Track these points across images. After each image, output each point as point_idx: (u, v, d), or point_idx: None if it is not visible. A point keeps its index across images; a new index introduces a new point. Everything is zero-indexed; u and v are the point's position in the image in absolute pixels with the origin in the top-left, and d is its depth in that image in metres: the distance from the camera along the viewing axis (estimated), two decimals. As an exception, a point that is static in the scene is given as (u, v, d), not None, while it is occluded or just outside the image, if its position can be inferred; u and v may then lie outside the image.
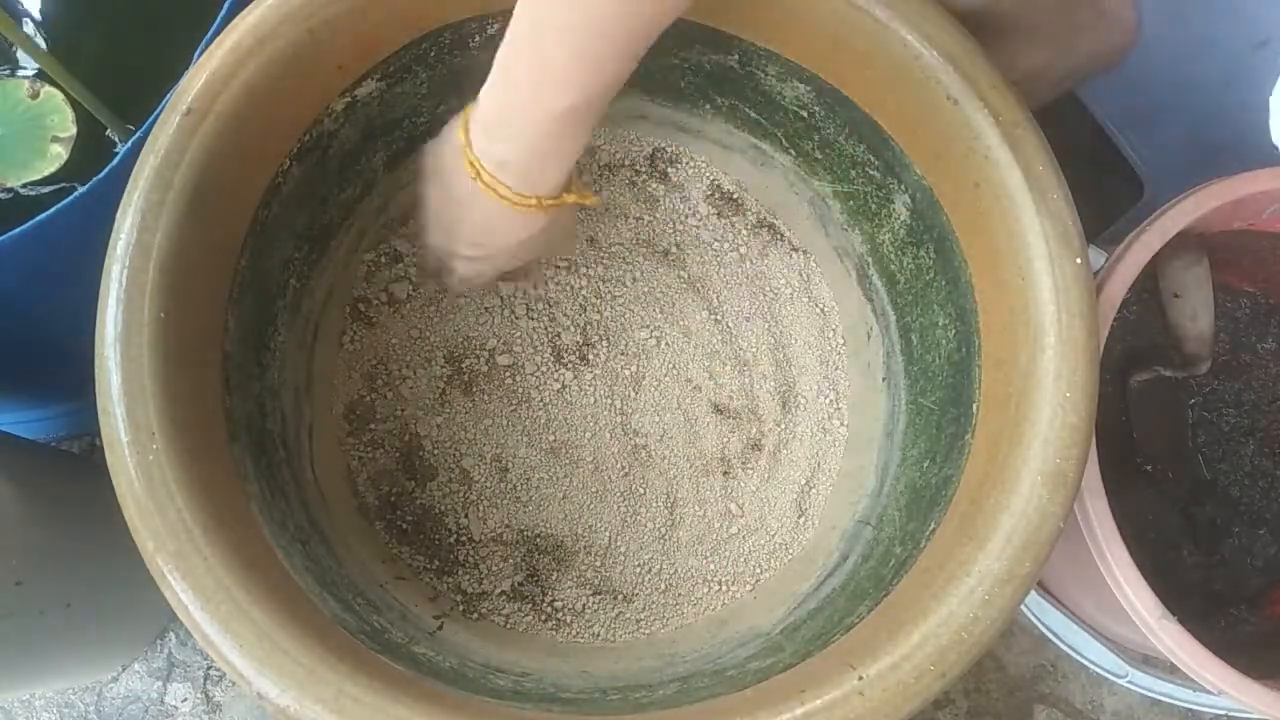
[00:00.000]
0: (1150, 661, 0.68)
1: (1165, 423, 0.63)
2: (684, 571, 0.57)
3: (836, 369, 0.60)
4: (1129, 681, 0.66)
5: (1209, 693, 0.63)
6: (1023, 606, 0.70)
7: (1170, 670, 0.66)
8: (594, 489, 0.58)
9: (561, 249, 0.59)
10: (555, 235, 0.47)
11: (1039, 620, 0.69)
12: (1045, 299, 0.43)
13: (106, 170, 0.47)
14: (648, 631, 0.56)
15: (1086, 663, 0.68)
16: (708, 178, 0.62)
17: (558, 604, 0.56)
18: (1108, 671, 0.66)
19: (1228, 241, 0.59)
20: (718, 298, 0.61)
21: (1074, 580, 0.62)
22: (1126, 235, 0.63)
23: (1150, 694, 0.65)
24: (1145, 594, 0.49)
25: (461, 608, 0.55)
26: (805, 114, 0.54)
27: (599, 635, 0.56)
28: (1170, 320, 0.60)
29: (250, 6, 0.44)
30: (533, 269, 0.58)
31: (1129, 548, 0.49)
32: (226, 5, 0.50)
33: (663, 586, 0.57)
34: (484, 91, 0.41)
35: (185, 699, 0.75)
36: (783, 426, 0.60)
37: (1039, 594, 0.66)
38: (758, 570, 0.57)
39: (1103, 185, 0.73)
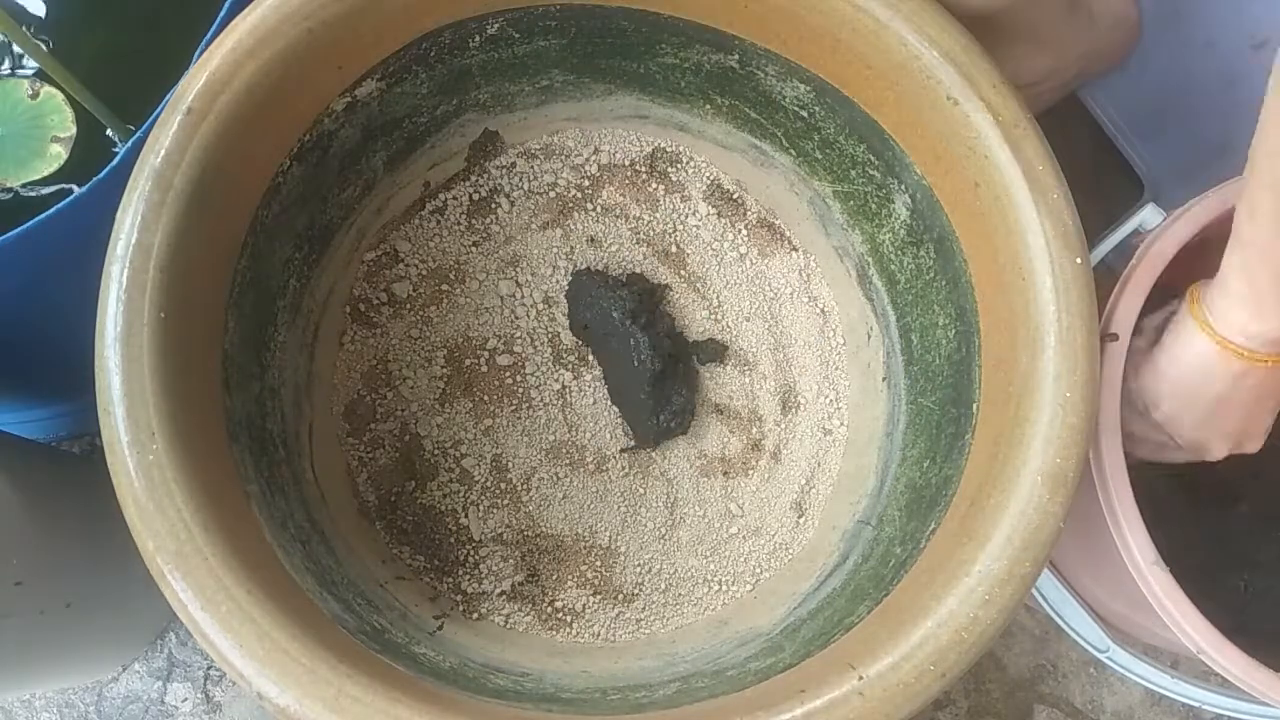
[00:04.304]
0: (1151, 653, 0.67)
1: None
2: (684, 571, 0.57)
3: (836, 369, 0.60)
4: (1109, 657, 0.66)
5: (1186, 679, 0.63)
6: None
7: (1163, 660, 0.66)
8: (594, 489, 0.58)
9: None
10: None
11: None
12: (1045, 299, 0.43)
13: (106, 170, 0.47)
14: (648, 631, 0.56)
15: (1069, 631, 0.67)
16: (708, 177, 0.62)
17: (558, 604, 0.56)
18: (1090, 645, 0.66)
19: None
20: (718, 298, 0.61)
21: (1073, 541, 0.61)
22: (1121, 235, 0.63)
23: (1129, 674, 0.65)
24: (1141, 536, 0.49)
25: (461, 608, 0.55)
26: (805, 114, 0.54)
27: (599, 635, 0.56)
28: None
29: (250, 6, 0.44)
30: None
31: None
32: (226, 5, 0.50)
33: (663, 586, 0.57)
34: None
35: (185, 699, 0.75)
36: (783, 427, 0.60)
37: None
38: (758, 570, 0.57)
39: (1103, 185, 0.73)
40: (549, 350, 0.60)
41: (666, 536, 0.58)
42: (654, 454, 0.59)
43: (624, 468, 0.59)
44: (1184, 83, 0.68)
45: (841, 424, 0.59)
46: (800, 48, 0.50)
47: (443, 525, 0.57)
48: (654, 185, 0.62)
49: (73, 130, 0.63)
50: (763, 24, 0.49)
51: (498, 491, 0.58)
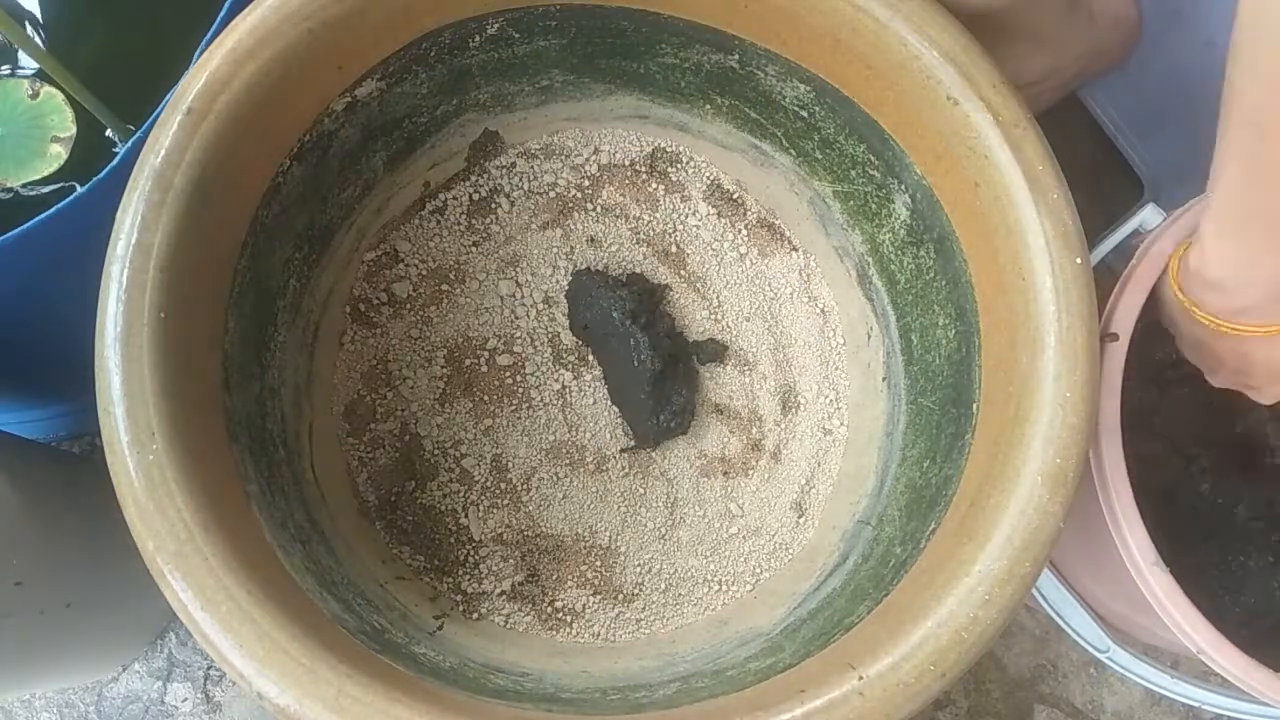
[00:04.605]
0: (1151, 653, 0.67)
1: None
2: (684, 571, 0.57)
3: (836, 369, 0.60)
4: (1109, 657, 0.66)
5: (1186, 679, 0.63)
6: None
7: (1161, 659, 0.66)
8: (594, 489, 0.58)
9: None
10: None
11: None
12: (1045, 299, 0.43)
13: (106, 170, 0.47)
14: (648, 631, 0.56)
15: (1069, 631, 0.67)
16: (708, 177, 0.62)
17: (558, 604, 0.56)
18: (1090, 645, 0.66)
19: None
20: (718, 298, 0.61)
21: (1073, 541, 0.61)
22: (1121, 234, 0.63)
23: (1129, 674, 0.65)
24: (1141, 537, 0.49)
25: (461, 608, 0.55)
26: (805, 114, 0.54)
27: (599, 635, 0.56)
28: None
29: (250, 6, 0.44)
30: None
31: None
32: (226, 5, 0.50)
33: (663, 586, 0.57)
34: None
35: (185, 699, 0.75)
36: (783, 427, 0.60)
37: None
38: (758, 570, 0.57)
39: (1103, 185, 0.73)
40: (549, 350, 0.60)
41: (666, 536, 0.58)
42: (654, 454, 0.59)
43: (624, 468, 0.59)
44: (1184, 83, 0.68)
45: (841, 424, 0.59)
46: (800, 48, 0.50)
47: (443, 525, 0.57)
48: (654, 185, 0.62)
49: (73, 130, 0.63)
50: (763, 24, 0.49)
51: (498, 491, 0.58)
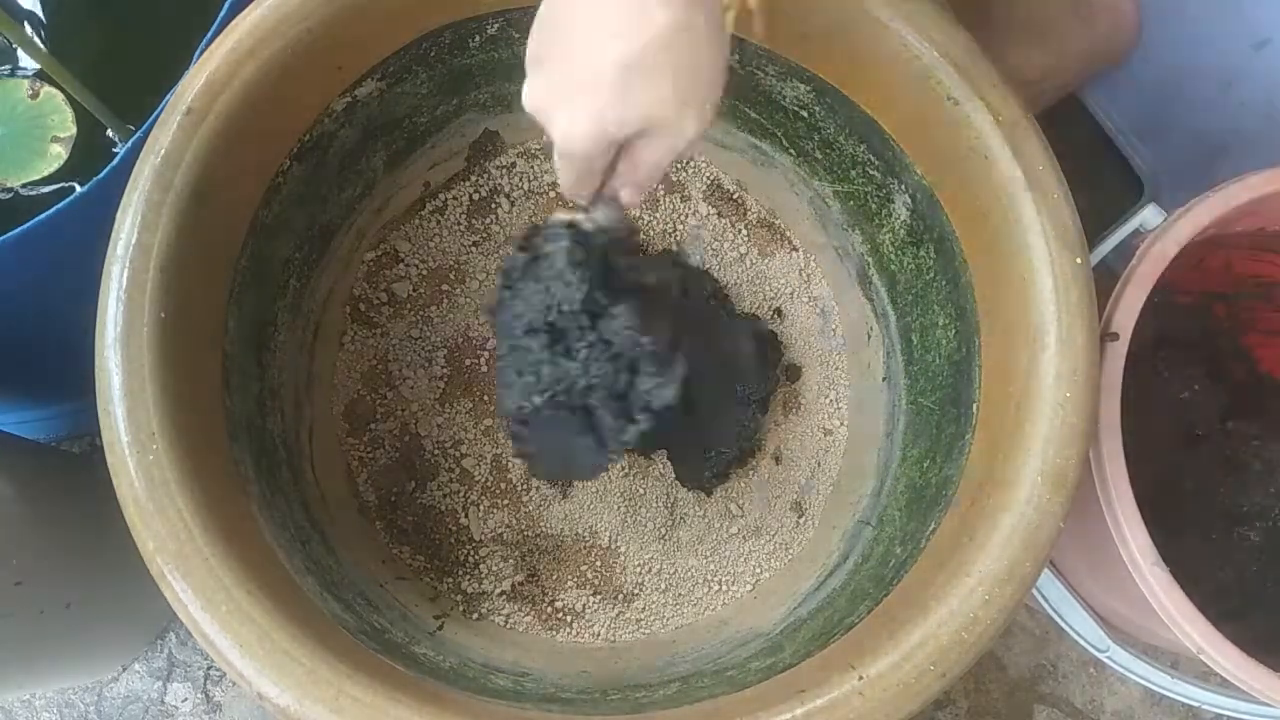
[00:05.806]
0: (1151, 653, 0.67)
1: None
2: (684, 571, 0.57)
3: (836, 369, 0.60)
4: (1109, 657, 0.66)
5: (1186, 679, 0.63)
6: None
7: (1159, 657, 0.66)
8: (594, 489, 0.58)
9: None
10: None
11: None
12: (1045, 299, 0.43)
13: (106, 170, 0.47)
14: (648, 631, 0.56)
15: (1069, 631, 0.67)
16: (708, 177, 0.62)
17: (558, 604, 0.56)
18: (1090, 645, 0.66)
19: (1251, 241, 0.58)
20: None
21: (1073, 541, 0.61)
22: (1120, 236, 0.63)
23: (1129, 673, 0.65)
24: (1141, 537, 0.49)
25: (461, 608, 0.55)
26: (805, 114, 0.54)
27: (599, 635, 0.56)
28: None
29: (250, 6, 0.45)
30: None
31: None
32: (226, 5, 0.50)
33: (663, 586, 0.57)
34: None
35: (185, 699, 0.75)
36: (783, 427, 0.60)
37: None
38: (758, 570, 0.57)
39: (1103, 185, 0.73)
40: (549, 350, 0.60)
41: (666, 536, 0.58)
42: (654, 454, 0.59)
43: (624, 468, 0.59)
44: (1184, 83, 0.68)
45: (841, 424, 0.59)
46: (800, 48, 0.50)
47: (443, 525, 0.57)
48: (654, 185, 0.62)
49: (73, 130, 0.63)
50: (762, 24, 0.49)
51: (498, 491, 0.58)
